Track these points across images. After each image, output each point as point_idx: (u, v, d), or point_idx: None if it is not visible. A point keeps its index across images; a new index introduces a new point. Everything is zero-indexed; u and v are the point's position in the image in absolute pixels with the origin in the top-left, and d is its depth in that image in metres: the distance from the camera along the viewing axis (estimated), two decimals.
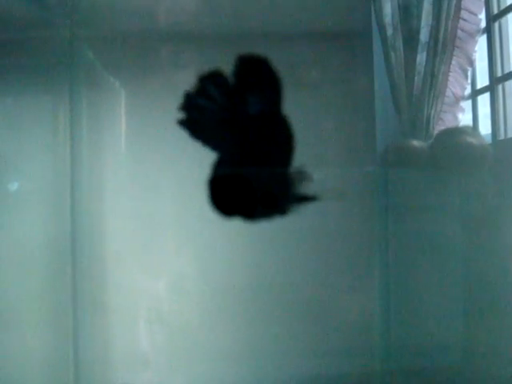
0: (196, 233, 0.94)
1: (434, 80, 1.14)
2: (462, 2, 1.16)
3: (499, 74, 1.11)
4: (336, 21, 1.16)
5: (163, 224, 0.87)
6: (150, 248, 0.93)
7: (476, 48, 1.17)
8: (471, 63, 1.17)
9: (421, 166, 1.09)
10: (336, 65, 1.20)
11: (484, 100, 1.15)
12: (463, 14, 1.17)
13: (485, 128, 1.15)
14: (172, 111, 0.46)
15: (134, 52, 0.83)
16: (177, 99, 0.46)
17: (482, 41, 1.15)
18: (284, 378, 1.04)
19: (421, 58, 1.16)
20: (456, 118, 1.17)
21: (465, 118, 1.17)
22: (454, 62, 1.16)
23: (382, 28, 1.17)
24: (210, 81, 0.46)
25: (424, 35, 1.16)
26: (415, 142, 1.12)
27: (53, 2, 0.73)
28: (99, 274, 0.91)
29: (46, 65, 0.71)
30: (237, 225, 0.96)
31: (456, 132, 1.10)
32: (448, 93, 1.16)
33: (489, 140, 1.12)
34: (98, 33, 0.81)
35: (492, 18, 1.13)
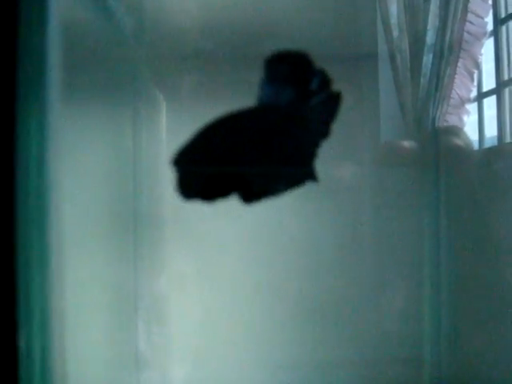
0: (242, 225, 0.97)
1: (439, 82, 1.14)
2: (469, 5, 1.16)
3: (506, 77, 1.11)
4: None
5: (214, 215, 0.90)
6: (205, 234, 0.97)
7: (482, 51, 1.17)
8: (477, 66, 1.17)
9: (411, 165, 1.10)
10: (341, 67, 1.19)
11: (490, 103, 1.15)
12: (470, 16, 1.17)
13: (490, 131, 1.14)
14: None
15: (185, 71, 0.94)
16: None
17: (489, 44, 1.14)
18: None
19: (427, 59, 1.15)
20: (461, 120, 1.16)
21: (470, 121, 1.17)
22: (460, 65, 1.16)
23: (387, 29, 1.17)
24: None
25: (430, 37, 1.15)
26: (406, 142, 1.13)
27: (124, 24, 0.81)
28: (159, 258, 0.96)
29: (115, 81, 0.80)
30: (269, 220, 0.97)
31: (444, 132, 1.11)
32: (453, 95, 1.16)
33: (494, 142, 1.12)
34: (156, 53, 0.91)
35: (499, 22, 1.12)
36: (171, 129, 0.94)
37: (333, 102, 0.50)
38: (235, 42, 0.96)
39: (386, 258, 1.08)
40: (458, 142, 1.08)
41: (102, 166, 0.74)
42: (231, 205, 1.00)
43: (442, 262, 1.04)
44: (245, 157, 0.45)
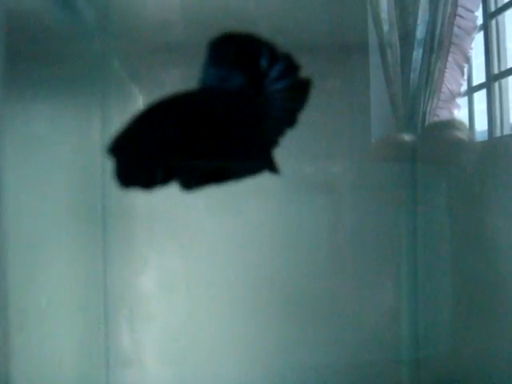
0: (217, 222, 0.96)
1: (430, 76, 1.14)
2: None
3: (496, 71, 1.11)
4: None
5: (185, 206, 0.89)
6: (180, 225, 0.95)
7: (472, 45, 1.17)
8: (467, 60, 1.16)
9: (409, 159, 1.10)
10: (332, 61, 1.19)
11: (480, 97, 1.15)
12: (460, 10, 1.17)
13: (481, 125, 1.14)
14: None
15: (154, 62, 0.90)
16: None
17: (479, 38, 1.14)
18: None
19: (417, 54, 1.15)
20: (452, 114, 1.16)
21: (460, 114, 1.16)
22: (450, 59, 1.16)
23: (377, 24, 1.17)
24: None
25: (420, 32, 1.15)
26: (404, 136, 1.12)
27: (86, 16, 0.78)
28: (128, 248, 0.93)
29: (81, 73, 0.78)
30: (257, 214, 0.96)
31: (444, 126, 1.10)
32: (444, 89, 1.16)
33: (484, 136, 1.12)
34: (125, 45, 0.88)
35: (489, 16, 1.12)
36: None
37: (299, 89, 0.46)
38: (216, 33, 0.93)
39: (366, 253, 1.08)
40: (459, 134, 1.07)
41: (68, 159, 0.72)
42: (209, 198, 1.00)
43: (420, 261, 1.04)
44: (186, 142, 0.42)
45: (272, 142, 0.47)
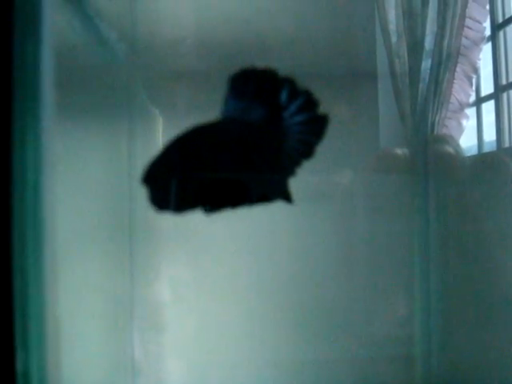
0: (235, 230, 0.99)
1: (438, 87, 1.14)
2: (467, 10, 1.16)
3: (504, 81, 1.11)
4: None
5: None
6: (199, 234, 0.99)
7: (480, 56, 1.17)
8: (475, 71, 1.17)
9: (403, 172, 1.11)
10: (340, 74, 1.20)
11: (488, 107, 1.16)
12: (468, 21, 1.17)
13: (489, 135, 1.15)
14: None
15: (173, 88, 0.99)
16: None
17: (488, 49, 1.15)
18: None
19: (425, 65, 1.16)
20: (460, 124, 1.17)
21: (469, 125, 1.17)
22: (458, 70, 1.16)
23: (386, 35, 1.17)
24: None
25: (428, 42, 1.16)
26: (397, 150, 1.14)
27: (117, 50, 0.88)
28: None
29: (111, 99, 0.86)
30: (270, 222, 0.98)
31: (435, 140, 1.12)
32: (453, 100, 1.16)
33: (493, 147, 1.12)
34: (149, 74, 0.98)
35: (497, 27, 1.13)
36: (168, 138, 0.98)
37: (317, 124, 0.50)
38: (228, 61, 0.98)
39: (378, 260, 1.09)
40: (449, 149, 1.09)
41: (99, 180, 0.76)
42: (227, 213, 1.02)
43: (432, 265, 1.05)
44: (209, 170, 0.46)
45: (288, 172, 0.50)
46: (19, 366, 0.39)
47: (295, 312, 1.01)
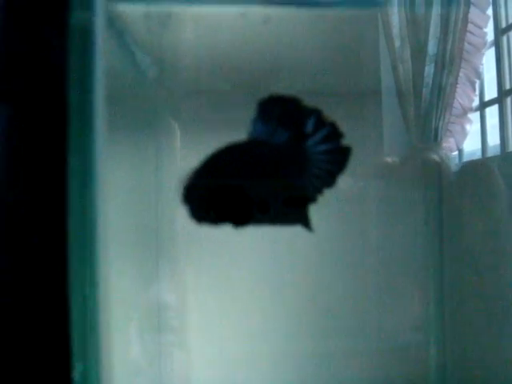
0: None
1: (442, 92, 1.15)
2: (469, 16, 1.17)
3: (508, 86, 1.12)
4: None
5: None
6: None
7: (483, 61, 1.18)
8: (478, 75, 1.18)
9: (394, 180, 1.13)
10: (344, 82, 1.21)
11: (492, 112, 1.16)
12: (470, 27, 1.18)
13: (493, 139, 1.16)
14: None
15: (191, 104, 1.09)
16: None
17: (491, 53, 1.16)
18: None
19: (429, 70, 1.16)
20: (464, 129, 1.17)
21: (472, 130, 1.18)
22: (461, 75, 1.17)
23: (389, 40, 1.18)
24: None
25: (432, 47, 1.17)
26: (388, 158, 1.15)
27: (149, 72, 1.00)
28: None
29: (140, 115, 0.97)
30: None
31: (422, 150, 1.14)
32: (456, 104, 1.17)
33: (497, 151, 1.13)
34: (172, 92, 1.09)
35: (500, 32, 1.14)
36: (184, 152, 1.08)
37: (340, 155, 0.52)
38: (244, 81, 1.08)
39: (391, 263, 1.11)
40: (435, 158, 1.12)
41: (128, 189, 0.80)
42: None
43: (446, 268, 1.06)
44: (238, 188, 0.49)
45: (309, 199, 0.51)
46: (77, 376, 0.39)
47: (313, 314, 1.03)
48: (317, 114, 0.51)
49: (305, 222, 0.52)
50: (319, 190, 0.53)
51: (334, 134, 0.52)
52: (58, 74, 0.41)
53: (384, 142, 1.21)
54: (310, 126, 0.50)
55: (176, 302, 1.01)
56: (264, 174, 0.50)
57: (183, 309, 1.02)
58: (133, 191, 0.88)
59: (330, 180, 0.53)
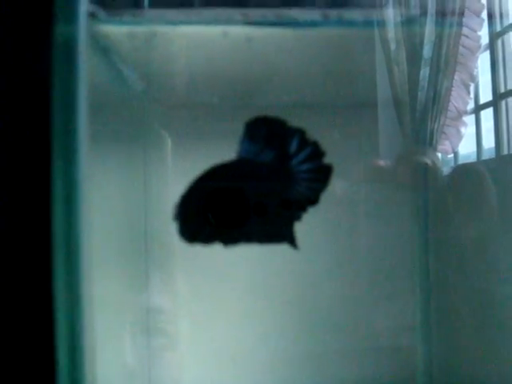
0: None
1: (437, 95, 1.15)
2: (464, 19, 1.18)
3: (502, 89, 1.13)
4: None
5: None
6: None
7: (477, 64, 1.19)
8: (473, 79, 1.18)
9: (386, 183, 1.13)
10: (338, 84, 1.21)
11: (487, 115, 1.17)
12: (464, 30, 1.19)
13: (488, 142, 1.16)
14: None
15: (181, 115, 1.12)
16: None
17: (486, 56, 1.16)
18: None
19: (424, 73, 1.17)
20: (459, 132, 1.17)
21: (468, 133, 1.18)
22: (456, 78, 1.17)
23: (384, 43, 1.18)
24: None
25: (427, 51, 1.17)
26: (381, 161, 1.16)
27: (136, 86, 1.03)
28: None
29: (130, 128, 1.00)
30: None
31: (412, 153, 1.14)
32: (451, 107, 1.17)
33: (492, 154, 1.13)
34: (161, 104, 1.12)
35: (495, 35, 1.14)
36: (176, 163, 1.11)
37: (323, 173, 0.54)
38: (235, 93, 1.11)
39: (379, 265, 1.11)
40: (426, 160, 1.12)
41: (117, 199, 0.80)
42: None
43: (432, 269, 1.07)
44: (227, 206, 0.52)
45: (293, 217, 0.54)
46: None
47: (307, 317, 1.04)
48: (300, 133, 0.54)
49: (290, 240, 0.54)
50: (303, 208, 0.54)
51: (316, 153, 0.55)
52: (42, 83, 0.42)
53: (379, 145, 1.21)
54: (293, 145, 0.52)
55: (167, 306, 1.01)
56: (249, 191, 0.52)
57: (174, 312, 1.03)
58: (122, 199, 0.89)
59: (313, 197, 0.56)
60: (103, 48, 0.82)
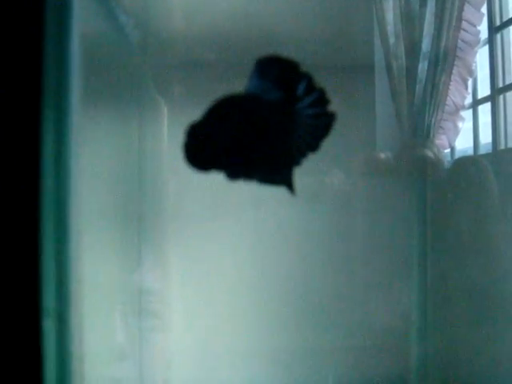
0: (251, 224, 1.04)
1: (435, 89, 1.15)
2: (463, 14, 1.17)
3: (500, 84, 1.12)
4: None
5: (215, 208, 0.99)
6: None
7: (476, 58, 1.18)
8: (471, 73, 1.18)
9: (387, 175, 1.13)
10: (338, 75, 1.21)
11: (484, 109, 1.17)
12: (463, 24, 1.18)
13: (485, 137, 1.16)
14: None
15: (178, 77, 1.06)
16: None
17: (485, 51, 1.16)
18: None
19: (422, 67, 1.16)
20: (456, 126, 1.17)
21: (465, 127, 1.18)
22: (454, 72, 1.17)
23: (383, 36, 1.18)
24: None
25: (426, 45, 1.17)
26: (381, 154, 1.16)
27: (132, 37, 0.95)
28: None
29: (123, 86, 0.92)
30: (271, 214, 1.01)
31: (416, 146, 1.14)
32: (448, 102, 1.17)
33: (488, 149, 1.13)
34: (159, 61, 1.06)
35: (494, 30, 1.14)
36: (172, 130, 1.04)
37: (325, 120, 0.53)
38: (233, 51, 1.05)
39: (376, 256, 1.11)
40: (428, 153, 1.12)
41: (110, 165, 0.79)
42: (231, 208, 1.04)
43: (428, 262, 1.07)
44: (233, 138, 0.51)
45: (294, 160, 0.53)
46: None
47: (297, 304, 1.04)
48: (308, 78, 0.52)
49: (288, 183, 0.53)
50: (303, 154, 0.54)
51: (322, 99, 0.53)
52: (33, 33, 0.40)
53: (376, 138, 1.21)
54: (301, 89, 0.51)
55: (158, 287, 1.00)
56: (255, 127, 0.51)
57: (165, 294, 1.02)
58: (115, 168, 0.86)
59: (314, 144, 0.55)
60: None
